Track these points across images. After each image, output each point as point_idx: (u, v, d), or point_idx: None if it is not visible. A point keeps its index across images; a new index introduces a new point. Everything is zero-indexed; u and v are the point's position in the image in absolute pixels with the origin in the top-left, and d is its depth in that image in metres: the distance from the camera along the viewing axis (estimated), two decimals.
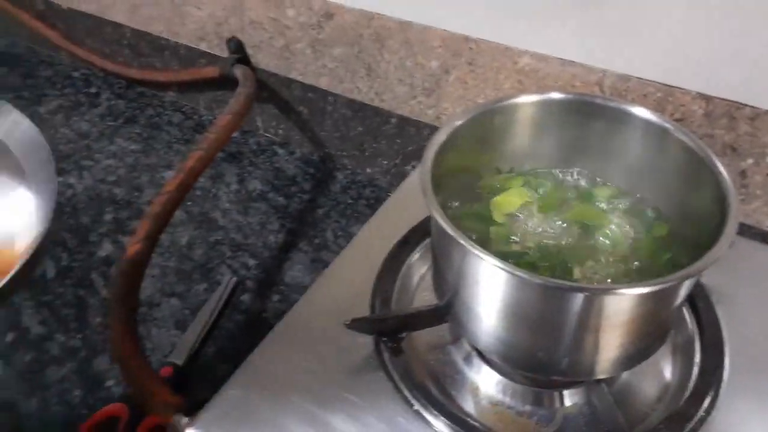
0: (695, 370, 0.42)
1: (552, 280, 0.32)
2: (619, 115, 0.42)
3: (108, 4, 0.83)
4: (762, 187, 0.54)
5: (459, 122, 0.39)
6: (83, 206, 0.69)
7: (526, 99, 0.43)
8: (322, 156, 0.77)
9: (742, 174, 0.54)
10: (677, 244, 0.41)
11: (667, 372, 0.43)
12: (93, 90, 0.89)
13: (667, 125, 0.41)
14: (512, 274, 0.32)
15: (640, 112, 0.42)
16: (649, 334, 0.37)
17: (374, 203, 0.71)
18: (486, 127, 0.42)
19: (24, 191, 0.45)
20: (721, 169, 0.38)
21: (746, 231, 0.57)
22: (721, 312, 0.45)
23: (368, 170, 0.75)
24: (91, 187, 0.72)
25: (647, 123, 0.42)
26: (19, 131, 0.45)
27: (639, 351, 0.38)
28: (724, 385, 0.41)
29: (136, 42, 0.84)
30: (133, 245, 0.49)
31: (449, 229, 0.33)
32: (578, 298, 0.32)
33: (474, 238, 0.39)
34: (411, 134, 0.69)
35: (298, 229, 0.67)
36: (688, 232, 0.41)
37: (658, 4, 0.49)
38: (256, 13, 0.70)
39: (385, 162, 0.73)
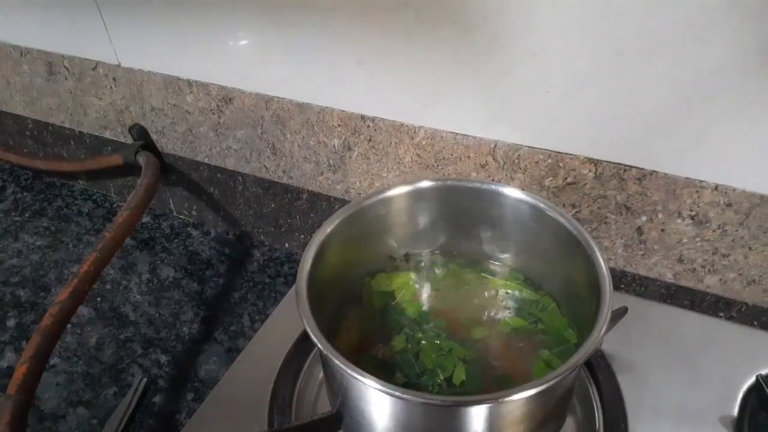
0: None
1: (430, 396, 0.31)
2: (493, 196, 0.43)
3: (5, 97, 0.80)
4: (659, 242, 0.55)
5: (330, 228, 0.39)
6: None
7: (400, 190, 0.43)
8: (239, 234, 0.76)
9: (639, 230, 0.56)
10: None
11: None
12: None
13: (541, 205, 0.41)
14: (391, 394, 0.31)
15: (512, 192, 0.42)
16: (543, 423, 0.37)
17: (292, 280, 0.70)
18: (367, 220, 0.42)
19: None
20: (595, 247, 0.38)
21: (650, 284, 0.58)
22: (622, 380, 0.45)
23: (286, 245, 0.74)
24: None
25: (521, 202, 0.42)
26: None
27: None
28: None
29: (40, 132, 0.82)
30: (20, 366, 0.47)
31: (331, 355, 0.32)
32: (460, 413, 0.31)
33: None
34: (323, 208, 0.68)
35: (212, 317, 0.65)
36: (573, 306, 0.41)
37: (540, 80, 0.51)
38: (156, 100, 0.69)
39: (302, 236, 0.72)
